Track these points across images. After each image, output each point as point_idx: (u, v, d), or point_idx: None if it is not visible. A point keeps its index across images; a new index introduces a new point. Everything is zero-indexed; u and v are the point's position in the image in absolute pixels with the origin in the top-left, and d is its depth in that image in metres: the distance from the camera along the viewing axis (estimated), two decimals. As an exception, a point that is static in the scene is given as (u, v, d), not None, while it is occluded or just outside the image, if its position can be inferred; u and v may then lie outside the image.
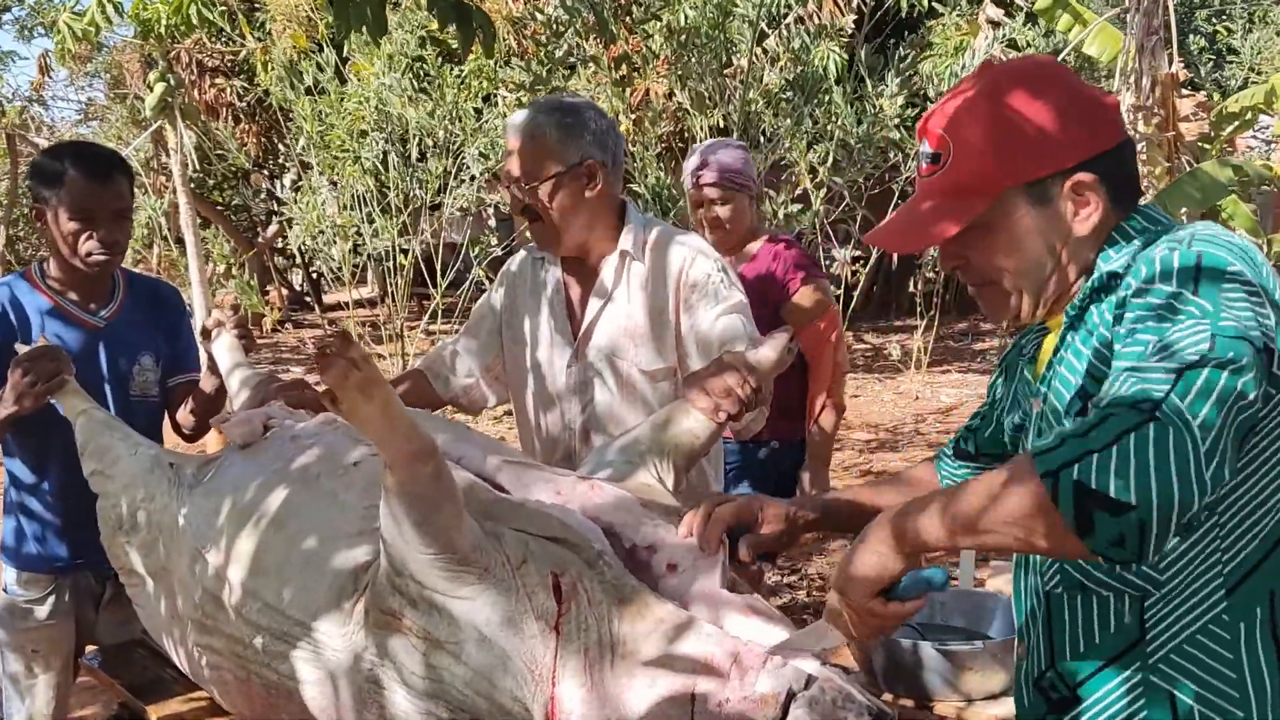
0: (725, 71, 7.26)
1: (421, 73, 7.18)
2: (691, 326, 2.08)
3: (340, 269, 7.90)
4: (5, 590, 2.40)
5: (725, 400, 1.67)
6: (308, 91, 7.50)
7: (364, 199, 7.55)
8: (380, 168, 7.38)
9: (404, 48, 7.05)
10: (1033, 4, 6.29)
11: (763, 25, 7.05)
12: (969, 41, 7.47)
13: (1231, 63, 18.61)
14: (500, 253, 7.71)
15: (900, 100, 6.98)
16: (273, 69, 7.83)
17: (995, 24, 7.13)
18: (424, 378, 2.32)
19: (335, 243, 7.74)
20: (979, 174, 1.21)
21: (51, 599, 2.36)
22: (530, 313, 2.23)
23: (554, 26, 6.56)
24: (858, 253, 8.46)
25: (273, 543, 1.61)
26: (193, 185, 10.80)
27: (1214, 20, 19.08)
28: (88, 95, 15.70)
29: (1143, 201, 1.27)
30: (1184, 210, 5.14)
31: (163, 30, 6.73)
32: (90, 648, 2.45)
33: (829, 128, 7.11)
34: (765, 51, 7.29)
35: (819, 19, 7.13)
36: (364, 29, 2.08)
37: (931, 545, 1.08)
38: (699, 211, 3.09)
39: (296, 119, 7.67)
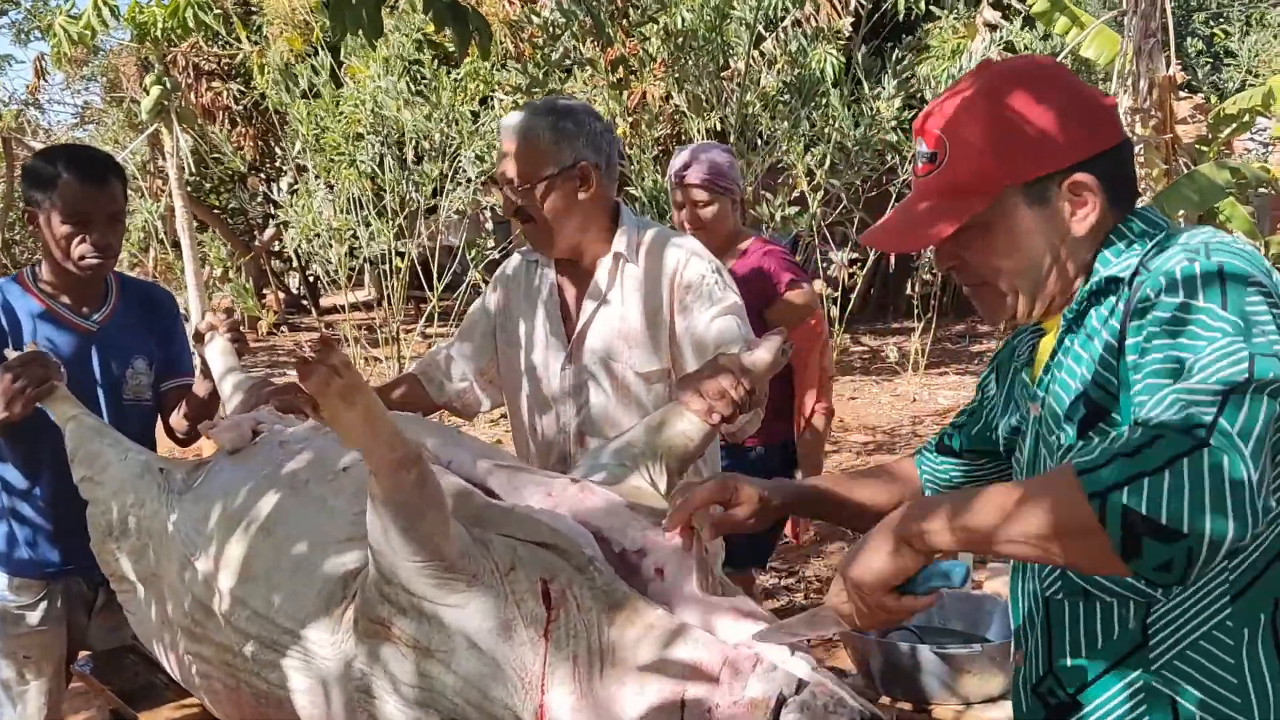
0: (722, 74, 7.25)
1: (418, 75, 7.18)
2: (686, 328, 2.07)
3: (337, 272, 7.90)
4: (-4, 596, 2.38)
5: (719, 402, 1.66)
6: (303, 95, 7.49)
7: (360, 202, 7.55)
8: (377, 170, 7.38)
9: (400, 50, 7.05)
10: (1030, 6, 6.29)
11: (760, 28, 7.05)
12: (966, 44, 7.47)
13: (1229, 65, 18.64)
14: (497, 255, 7.70)
15: (897, 103, 6.98)
16: (268, 72, 7.82)
17: (992, 27, 7.12)
18: (418, 382, 2.32)
19: (331, 246, 7.74)
20: (977, 173, 1.20)
21: (43, 605, 2.35)
22: (525, 316, 2.22)
23: (551, 29, 6.55)
24: (855, 255, 8.46)
25: (261, 549, 1.59)
26: (189, 189, 10.79)
27: (1212, 23, 19.11)
28: (84, 99, 15.71)
29: (1140, 203, 1.26)
30: (1181, 212, 5.13)
31: (159, 33, 6.74)
32: (82, 653, 2.44)
33: (826, 130, 7.11)
34: (762, 54, 7.29)
35: (816, 22, 7.13)
36: (359, 31, 2.07)
37: (947, 549, 1.07)
38: (680, 212, 3.08)
39: (292, 122, 7.67)
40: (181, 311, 2.63)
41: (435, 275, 7.68)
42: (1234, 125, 6.36)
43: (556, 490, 1.56)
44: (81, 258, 2.25)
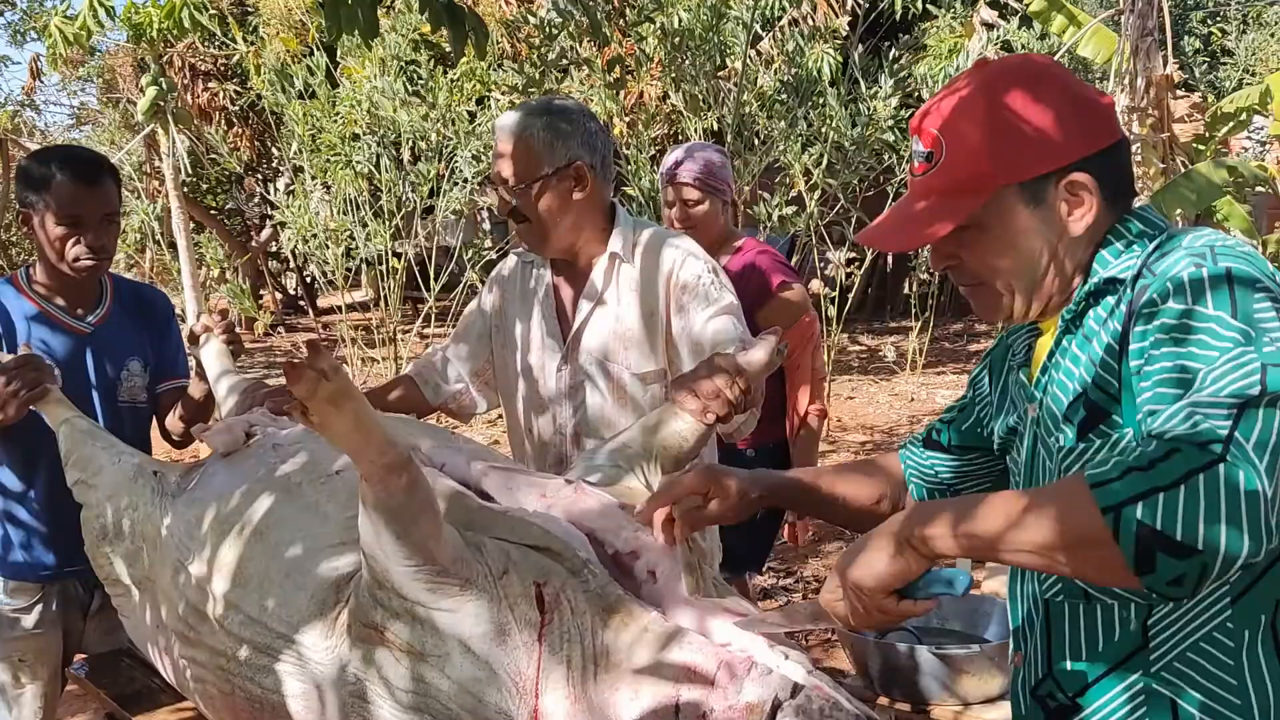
0: (719, 74, 7.24)
1: (414, 76, 7.17)
2: (683, 328, 2.07)
3: (333, 273, 7.89)
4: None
5: (714, 402, 1.65)
6: (299, 95, 7.48)
7: (357, 202, 7.55)
8: (373, 171, 7.37)
9: (396, 50, 7.04)
10: (1027, 6, 6.28)
11: (757, 28, 7.04)
12: (963, 43, 7.46)
13: (1226, 64, 18.62)
14: (494, 256, 7.70)
15: (895, 102, 6.97)
16: (264, 73, 7.82)
17: (990, 26, 7.12)
18: (414, 384, 2.31)
19: (328, 246, 7.74)
20: (973, 172, 1.20)
21: (39, 608, 2.34)
22: (521, 317, 2.22)
23: (547, 29, 6.53)
24: (852, 254, 8.45)
25: (254, 553, 1.58)
26: (185, 189, 10.77)
27: (1209, 22, 19.11)
28: (80, 99, 15.67)
29: (1137, 202, 1.25)
30: (1179, 211, 5.13)
31: (155, 34, 6.73)
32: (78, 657, 2.43)
33: (823, 130, 7.10)
34: (759, 54, 7.28)
35: (813, 21, 7.12)
36: (355, 32, 2.06)
37: (950, 554, 1.06)
38: (671, 210, 3.07)
39: (288, 123, 7.66)
40: (177, 313, 2.62)
41: (432, 276, 7.68)
42: (1231, 124, 6.35)
43: (551, 492, 1.56)
44: (76, 259, 2.24)
